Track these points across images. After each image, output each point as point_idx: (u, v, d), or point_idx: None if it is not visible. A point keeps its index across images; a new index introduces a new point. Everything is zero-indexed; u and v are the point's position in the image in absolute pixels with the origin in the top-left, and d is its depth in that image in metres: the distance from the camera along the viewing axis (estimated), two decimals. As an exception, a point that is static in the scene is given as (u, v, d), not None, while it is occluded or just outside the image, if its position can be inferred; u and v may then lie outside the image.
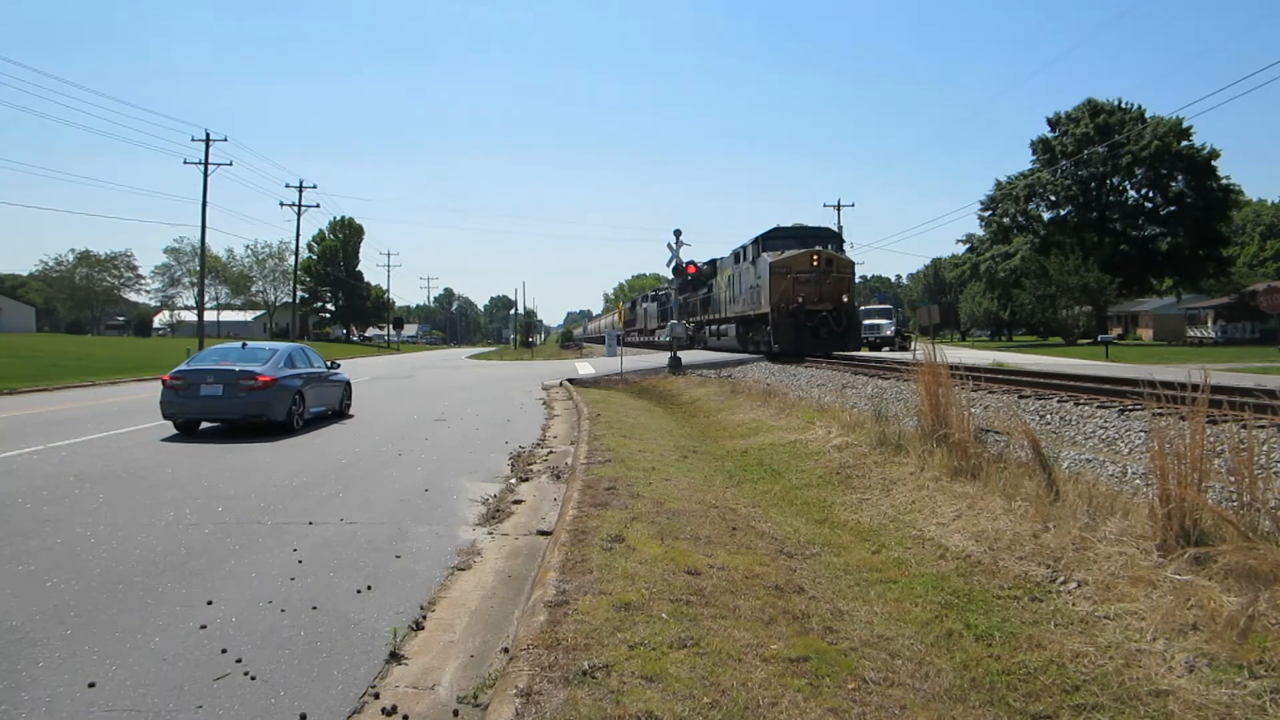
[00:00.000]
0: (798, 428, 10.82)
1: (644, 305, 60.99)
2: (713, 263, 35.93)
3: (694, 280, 33.76)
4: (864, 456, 8.35)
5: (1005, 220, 60.42)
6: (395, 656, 3.99)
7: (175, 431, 12.38)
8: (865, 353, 28.66)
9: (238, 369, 12.27)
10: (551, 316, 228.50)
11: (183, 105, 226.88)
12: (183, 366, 12.98)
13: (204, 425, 12.88)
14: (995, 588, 4.64)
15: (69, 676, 3.69)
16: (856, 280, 29.07)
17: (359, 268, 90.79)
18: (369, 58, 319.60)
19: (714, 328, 36.41)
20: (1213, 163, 53.43)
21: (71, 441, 11.27)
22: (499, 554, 5.91)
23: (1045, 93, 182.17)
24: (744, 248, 30.06)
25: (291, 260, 71.05)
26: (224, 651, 3.98)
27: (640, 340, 58.86)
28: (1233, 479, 4.71)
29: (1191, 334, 60.23)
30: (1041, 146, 59.27)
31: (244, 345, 13.98)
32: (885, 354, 29.19)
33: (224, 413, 12.35)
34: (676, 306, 33.37)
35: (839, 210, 52.91)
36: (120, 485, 8.13)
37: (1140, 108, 56.51)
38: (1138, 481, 6.70)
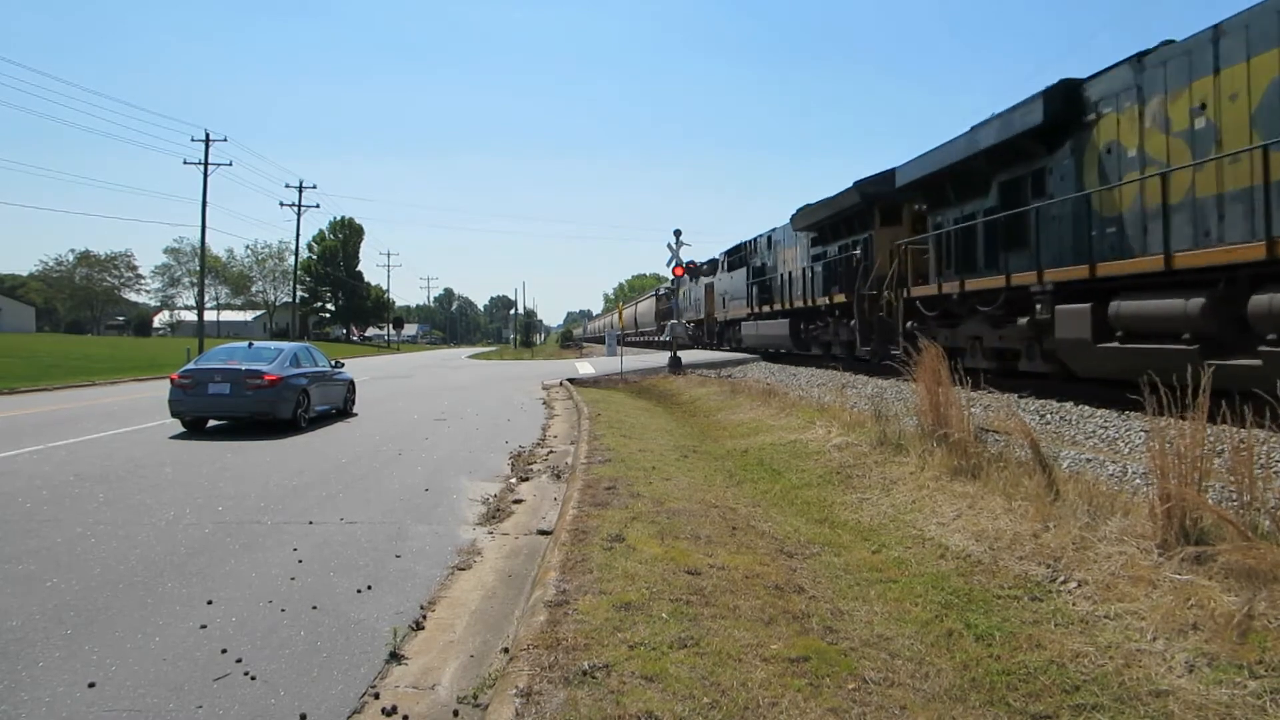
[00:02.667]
0: (798, 427, 10.81)
1: (693, 289, 38.71)
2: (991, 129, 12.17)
3: (857, 210, 17.53)
4: (864, 456, 8.35)
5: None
6: (395, 656, 3.99)
7: (176, 431, 12.40)
8: None
9: (244, 368, 12.33)
10: (551, 316, 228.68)
11: (183, 105, 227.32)
12: (190, 365, 13.06)
13: (210, 424, 12.91)
14: (995, 587, 4.63)
15: (69, 676, 3.69)
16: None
17: (359, 268, 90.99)
18: (369, 59, 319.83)
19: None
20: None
21: (71, 441, 11.27)
22: (499, 553, 5.91)
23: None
24: None
25: (291, 260, 71.12)
26: (224, 651, 3.98)
27: (686, 338, 36.79)
28: (1233, 478, 4.71)
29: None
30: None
31: (250, 344, 14.05)
32: None
33: (231, 411, 12.42)
34: (675, 306, 28.65)
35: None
36: (120, 485, 8.13)
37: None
38: (1138, 481, 6.69)
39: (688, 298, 39.84)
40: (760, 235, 26.94)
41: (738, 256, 29.58)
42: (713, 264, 35.74)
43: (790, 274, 23.11)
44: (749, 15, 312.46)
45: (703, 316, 36.28)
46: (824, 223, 20.23)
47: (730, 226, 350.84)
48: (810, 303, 21.14)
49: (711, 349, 29.77)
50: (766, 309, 25.41)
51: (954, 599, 4.49)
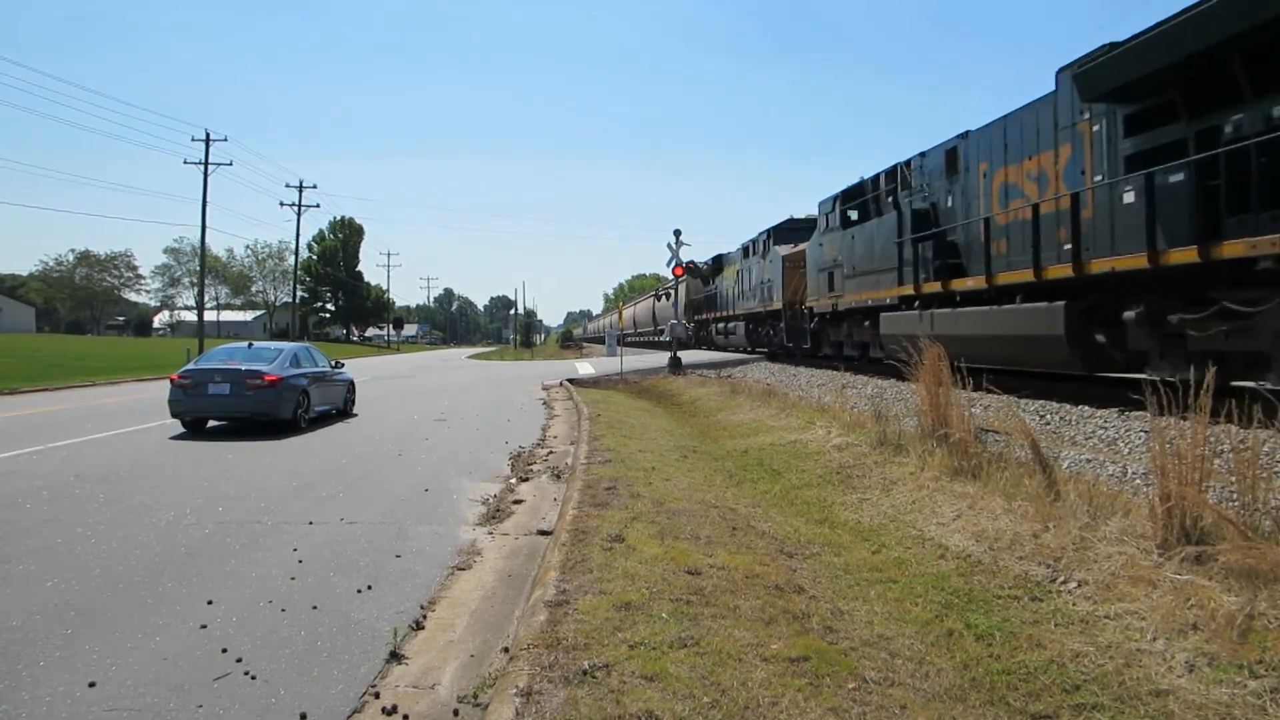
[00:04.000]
0: (798, 428, 10.81)
1: (755, 265, 25.64)
2: None
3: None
4: (864, 456, 8.35)
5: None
6: (395, 656, 3.99)
7: (176, 431, 12.40)
8: None
9: (244, 368, 12.33)
10: (551, 316, 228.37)
11: (183, 105, 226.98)
12: (190, 366, 13.06)
13: (210, 424, 12.91)
14: (995, 587, 4.63)
15: (69, 676, 3.69)
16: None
17: (359, 268, 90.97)
18: (369, 58, 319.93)
19: None
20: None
21: (72, 441, 11.27)
22: (499, 554, 5.91)
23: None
24: None
25: (291, 260, 71.08)
26: (224, 651, 3.98)
27: (746, 332, 27.27)
28: (1233, 479, 4.71)
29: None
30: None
31: (250, 345, 14.06)
32: None
33: (231, 411, 12.42)
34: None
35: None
36: (121, 485, 8.13)
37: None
38: (1138, 481, 6.69)
39: (743, 280, 26.85)
40: (927, 150, 13.97)
41: (865, 201, 16.36)
42: (788, 229, 23.30)
43: (1082, 198, 9.61)
44: (749, 15, 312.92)
45: (779, 304, 22.67)
46: (1227, 44, 7.36)
47: (730, 226, 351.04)
48: (1191, 256, 7.84)
49: (791, 357, 21.24)
50: (960, 286, 12.35)
51: (954, 599, 4.49)
